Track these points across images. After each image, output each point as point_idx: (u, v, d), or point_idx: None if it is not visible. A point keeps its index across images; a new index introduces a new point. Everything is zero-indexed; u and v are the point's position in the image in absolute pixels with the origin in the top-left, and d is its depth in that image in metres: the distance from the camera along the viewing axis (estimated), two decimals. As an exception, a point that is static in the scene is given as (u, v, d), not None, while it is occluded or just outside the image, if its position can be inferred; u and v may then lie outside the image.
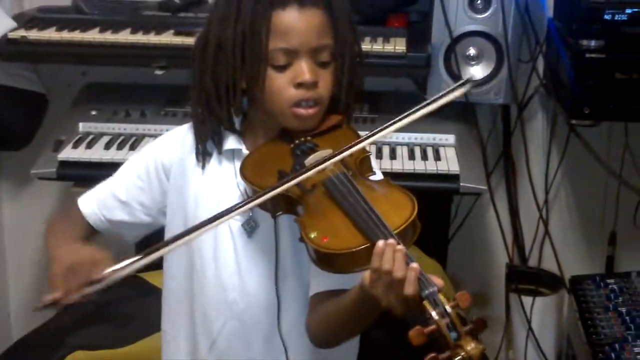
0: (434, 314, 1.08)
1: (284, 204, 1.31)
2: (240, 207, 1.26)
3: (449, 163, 2.08)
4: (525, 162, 2.45)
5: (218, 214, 1.28)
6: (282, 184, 1.27)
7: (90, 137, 2.14)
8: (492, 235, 2.55)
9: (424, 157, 2.10)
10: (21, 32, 2.11)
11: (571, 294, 2.24)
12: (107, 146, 2.10)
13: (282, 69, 1.36)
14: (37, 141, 2.36)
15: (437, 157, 2.10)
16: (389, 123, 1.33)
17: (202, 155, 1.46)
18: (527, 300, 2.39)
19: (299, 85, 1.35)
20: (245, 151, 1.44)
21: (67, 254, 1.36)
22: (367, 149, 1.37)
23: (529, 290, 2.45)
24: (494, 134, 2.44)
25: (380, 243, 1.15)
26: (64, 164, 2.06)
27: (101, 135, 2.15)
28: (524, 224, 2.51)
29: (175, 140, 1.51)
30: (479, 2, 2.09)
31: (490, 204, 2.47)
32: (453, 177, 2.05)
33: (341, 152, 1.30)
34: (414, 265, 1.13)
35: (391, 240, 1.15)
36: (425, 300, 1.10)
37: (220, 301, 1.44)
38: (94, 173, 1.99)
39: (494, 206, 2.43)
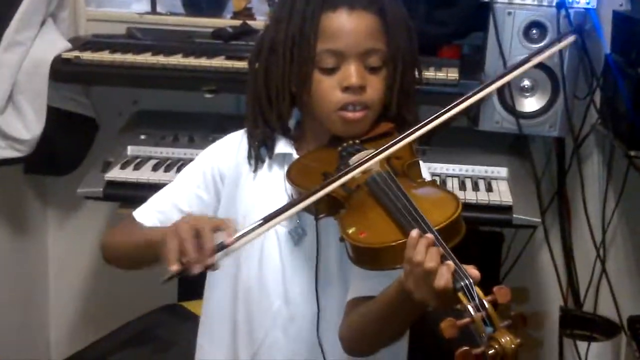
0: (469, 306, 1.03)
1: (327, 205, 1.28)
2: (285, 210, 1.23)
3: (502, 195, 2.02)
4: (582, 200, 2.37)
5: (268, 215, 1.24)
6: (325, 185, 1.23)
7: (138, 159, 2.14)
8: (546, 277, 2.46)
9: (476, 188, 2.05)
10: (75, 53, 2.13)
11: (629, 334, 2.13)
12: (155, 168, 2.10)
13: (330, 72, 1.34)
14: (85, 165, 2.37)
15: (489, 189, 2.05)
16: (438, 114, 1.29)
17: (255, 160, 1.44)
18: (581, 344, 2.28)
19: (346, 88, 1.33)
20: (296, 156, 1.42)
21: (187, 221, 1.25)
22: (416, 153, 1.34)
23: (583, 335, 2.34)
24: (548, 169, 2.37)
25: (414, 233, 1.11)
26: (111, 184, 2.05)
27: (149, 158, 2.16)
28: (579, 265, 2.42)
29: (231, 146, 1.49)
30: (534, 31, 2.05)
31: (543, 244, 2.39)
32: (506, 209, 1.99)
33: (385, 148, 1.27)
34: (449, 262, 1.08)
35: (428, 235, 1.11)
36: (460, 292, 1.05)
37: (265, 309, 1.40)
38: (140, 194, 1.98)
39: (549, 246, 2.35)
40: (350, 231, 1.20)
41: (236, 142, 1.48)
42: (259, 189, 1.43)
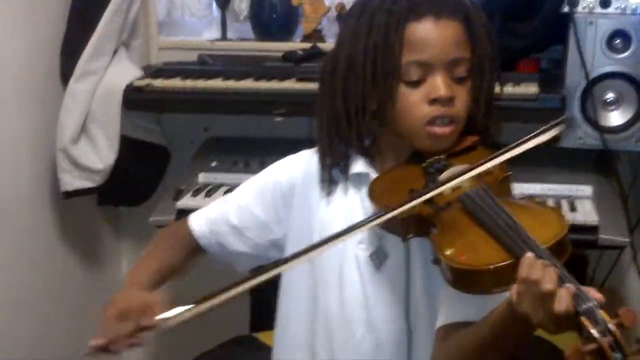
0: (594, 331, 0.95)
1: (416, 225, 1.22)
2: (369, 222, 1.18)
3: (586, 214, 1.93)
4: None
5: (336, 233, 1.20)
6: (413, 199, 1.17)
7: (210, 187, 2.12)
8: (635, 301, 2.33)
9: (559, 208, 1.96)
10: (147, 81, 2.14)
11: None
12: (226, 194, 2.07)
13: (415, 84, 1.28)
14: (157, 194, 2.36)
15: (573, 209, 1.96)
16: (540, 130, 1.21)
17: (328, 184, 1.38)
18: (678, 372, 2.15)
19: (434, 101, 1.27)
20: (374, 175, 1.35)
21: (121, 299, 1.32)
22: (506, 165, 1.27)
23: (679, 363, 2.21)
24: (635, 187, 2.26)
25: (529, 253, 1.04)
26: (183, 212, 2.00)
27: (220, 185, 2.14)
28: (672, 287, 2.30)
29: (297, 166, 1.44)
30: (617, 41, 1.96)
31: (630, 267, 2.27)
32: (591, 229, 1.89)
33: (478, 166, 1.20)
34: (568, 285, 1.00)
35: (544, 260, 1.03)
36: (583, 316, 0.97)
37: (347, 338, 1.34)
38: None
39: (637, 267, 2.23)
40: (448, 252, 1.13)
41: (302, 162, 1.44)
42: (335, 215, 1.37)
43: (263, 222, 1.45)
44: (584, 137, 2.01)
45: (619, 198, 2.08)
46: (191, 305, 1.22)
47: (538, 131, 1.24)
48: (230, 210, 1.47)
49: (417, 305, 1.31)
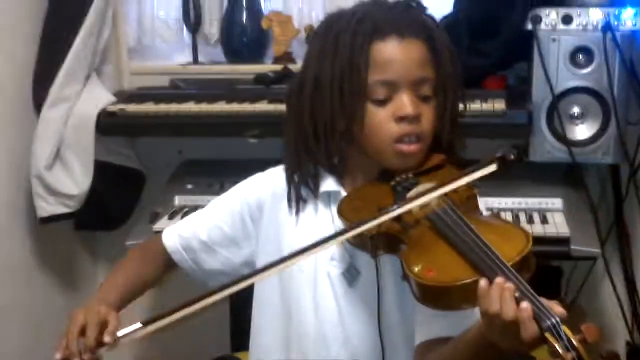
0: (557, 347, 0.98)
1: (385, 242, 1.24)
2: (337, 236, 1.20)
3: (558, 227, 1.95)
4: (642, 228, 2.29)
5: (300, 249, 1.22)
6: (382, 215, 1.19)
7: (186, 209, 2.13)
8: (609, 311, 2.36)
9: (531, 221, 1.99)
10: (120, 106, 2.15)
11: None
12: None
13: (382, 103, 1.31)
14: (134, 218, 2.37)
15: (545, 221, 1.99)
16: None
17: (297, 203, 1.40)
18: (652, 380, 2.18)
19: (401, 119, 1.30)
20: (344, 193, 1.37)
21: (81, 314, 1.33)
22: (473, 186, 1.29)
23: (653, 372, 2.24)
24: (605, 198, 2.30)
25: (483, 283, 1.06)
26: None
27: (196, 207, 2.10)
28: (644, 297, 2.33)
29: (266, 184, 1.46)
30: (580, 57, 2.00)
31: (604, 278, 2.30)
32: (563, 241, 1.92)
33: (446, 184, 1.22)
34: (524, 305, 1.03)
35: (499, 280, 1.06)
36: (547, 332, 1.00)
37: (323, 355, 1.36)
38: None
39: (611, 278, 2.26)
40: (416, 269, 1.15)
41: (271, 180, 1.46)
42: (305, 234, 1.38)
43: (232, 239, 1.47)
44: (552, 151, 2.05)
45: (589, 210, 2.11)
46: (142, 324, 1.26)
47: (500, 154, 1.25)
48: (201, 227, 1.49)
49: (389, 321, 1.33)
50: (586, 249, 1.92)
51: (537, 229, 1.93)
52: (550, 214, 2.02)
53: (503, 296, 1.04)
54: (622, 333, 2.32)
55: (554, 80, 2.00)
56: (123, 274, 1.49)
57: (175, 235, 1.51)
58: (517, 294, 1.05)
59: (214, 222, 1.48)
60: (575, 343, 0.98)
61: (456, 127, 1.38)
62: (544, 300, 1.04)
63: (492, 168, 1.24)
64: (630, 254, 2.32)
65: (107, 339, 1.27)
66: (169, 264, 1.52)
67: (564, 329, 1.00)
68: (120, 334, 1.28)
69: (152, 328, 1.25)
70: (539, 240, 1.86)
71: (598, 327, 1.01)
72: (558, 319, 1.01)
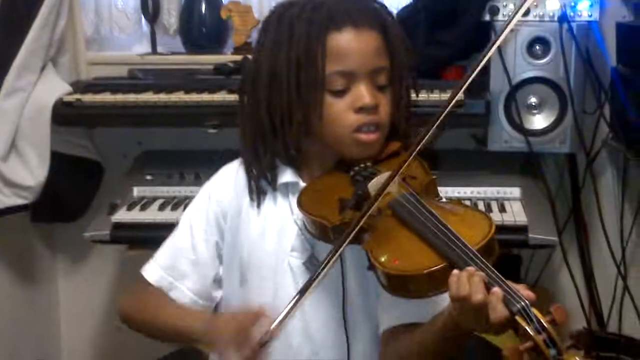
0: (529, 329, 0.99)
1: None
2: (329, 260, 1.19)
3: (516, 215, 1.97)
4: (599, 217, 2.32)
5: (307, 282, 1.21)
6: (356, 223, 1.18)
7: (145, 200, 2.12)
8: (567, 298, 2.38)
9: (489, 210, 2.01)
10: (76, 96, 2.12)
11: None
12: (162, 208, 2.08)
13: (340, 93, 1.30)
14: (93, 209, 2.34)
15: (502, 210, 2.01)
16: (437, 116, 1.24)
17: (257, 194, 1.39)
18: (608, 366, 2.22)
19: (360, 109, 1.29)
20: (302, 184, 1.37)
21: (225, 324, 1.25)
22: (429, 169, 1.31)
23: (609, 357, 2.27)
24: (562, 187, 2.33)
25: (454, 271, 1.07)
26: (118, 226, 2.02)
27: (155, 198, 2.13)
28: (600, 284, 2.36)
29: (227, 181, 1.45)
30: (537, 47, 2.02)
31: (562, 265, 2.34)
32: (521, 229, 1.94)
33: (401, 166, 1.22)
34: (494, 289, 1.04)
35: (469, 268, 1.07)
36: (518, 315, 1.01)
37: (285, 348, 1.34)
38: (148, 235, 1.98)
39: (568, 266, 2.29)
40: (382, 259, 1.15)
41: (232, 175, 1.44)
42: (266, 224, 1.38)
43: (215, 243, 1.43)
44: (509, 140, 2.07)
45: (547, 199, 2.14)
46: (297, 297, 1.21)
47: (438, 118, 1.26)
48: (184, 249, 1.43)
49: (353, 312, 1.33)
50: (543, 236, 1.94)
51: (496, 218, 1.94)
52: (508, 203, 2.04)
53: (472, 281, 1.06)
54: (580, 319, 2.35)
55: (511, 70, 2.02)
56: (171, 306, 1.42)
57: (160, 271, 1.43)
58: (485, 279, 1.06)
59: (198, 237, 1.43)
60: (545, 324, 0.99)
61: (411, 115, 1.38)
62: (511, 284, 1.06)
63: (431, 133, 1.24)
64: (587, 242, 2.36)
65: (267, 333, 1.19)
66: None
67: (534, 311, 1.01)
68: (276, 322, 1.20)
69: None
70: (497, 229, 1.93)
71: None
72: (527, 302, 1.02)
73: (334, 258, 1.21)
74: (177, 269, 1.42)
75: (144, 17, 2.50)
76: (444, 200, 1.31)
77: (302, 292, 1.20)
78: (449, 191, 2.06)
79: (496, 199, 2.06)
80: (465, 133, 2.26)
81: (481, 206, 2.02)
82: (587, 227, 2.36)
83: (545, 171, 2.23)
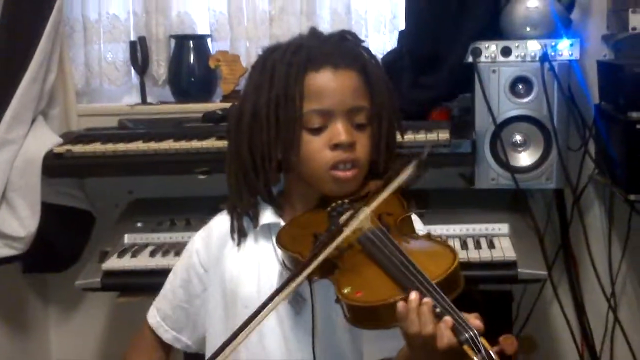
0: (475, 359, 1.00)
1: (319, 268, 1.24)
2: (282, 289, 1.20)
3: (505, 251, 1.98)
4: (587, 251, 2.34)
5: (260, 306, 1.21)
6: (316, 255, 1.20)
7: (135, 247, 2.12)
8: (559, 332, 2.41)
9: (478, 246, 2.02)
10: (66, 147, 2.14)
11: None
12: (152, 254, 2.07)
13: (317, 131, 1.33)
14: (84, 258, 2.35)
15: (492, 246, 2.02)
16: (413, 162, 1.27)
17: (238, 233, 1.41)
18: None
19: (336, 146, 1.32)
20: (283, 224, 1.39)
21: None
22: (407, 207, 1.32)
23: (604, 390, 2.28)
24: (551, 223, 2.35)
25: (400, 305, 1.09)
26: (108, 273, 2.02)
27: (146, 245, 2.13)
28: (591, 317, 2.37)
29: (211, 232, 1.48)
30: (520, 86, 2.06)
31: (553, 300, 2.35)
32: (510, 264, 1.95)
33: (372, 201, 1.25)
34: (446, 317, 1.06)
35: (412, 295, 1.09)
36: (465, 344, 1.02)
37: None
38: (139, 282, 1.99)
39: (559, 301, 2.30)
40: (345, 291, 1.16)
41: (216, 224, 1.47)
42: (247, 262, 1.40)
43: (194, 294, 1.47)
44: (496, 178, 2.09)
45: (535, 234, 2.15)
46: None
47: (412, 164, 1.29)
48: (169, 292, 1.50)
49: (336, 346, 1.34)
50: (533, 271, 1.95)
51: (485, 254, 1.96)
52: (497, 239, 2.05)
53: (420, 311, 1.08)
54: (572, 353, 2.36)
55: (495, 109, 2.06)
56: None
57: (154, 309, 1.52)
58: (437, 310, 1.08)
59: (178, 283, 1.49)
60: (492, 355, 1.00)
61: (392, 154, 1.40)
62: (463, 314, 1.07)
63: (407, 172, 1.26)
64: (577, 277, 2.37)
65: None
66: (162, 343, 1.52)
67: (482, 340, 1.02)
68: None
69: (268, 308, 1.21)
70: (486, 265, 1.96)
71: (515, 338, 1.03)
72: (475, 332, 1.03)
73: (300, 279, 1.21)
74: (178, 322, 1.49)
75: (134, 68, 2.53)
76: (415, 234, 1.33)
77: (263, 305, 1.21)
78: (438, 229, 2.06)
79: (485, 236, 2.07)
80: (452, 172, 2.29)
81: (471, 244, 2.03)
82: (576, 261, 2.38)
83: (533, 207, 2.25)
